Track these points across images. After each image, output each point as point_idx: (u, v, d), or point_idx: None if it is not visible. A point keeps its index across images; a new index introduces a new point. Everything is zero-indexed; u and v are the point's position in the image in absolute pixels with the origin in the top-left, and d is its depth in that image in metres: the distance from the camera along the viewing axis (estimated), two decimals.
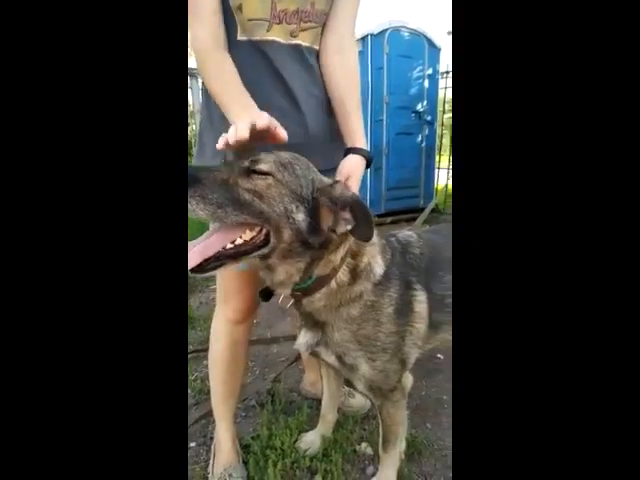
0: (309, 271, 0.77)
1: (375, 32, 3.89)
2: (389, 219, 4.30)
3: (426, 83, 4.35)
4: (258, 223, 0.70)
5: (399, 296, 0.85)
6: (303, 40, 0.91)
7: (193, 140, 5.34)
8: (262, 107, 0.82)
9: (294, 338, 1.76)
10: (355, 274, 0.82)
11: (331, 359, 0.88)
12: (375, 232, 0.83)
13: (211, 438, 1.33)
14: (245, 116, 0.73)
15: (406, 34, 4.10)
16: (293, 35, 0.89)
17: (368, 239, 0.75)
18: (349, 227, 0.73)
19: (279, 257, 0.74)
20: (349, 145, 0.95)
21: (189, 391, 1.63)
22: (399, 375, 0.92)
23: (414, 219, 4.33)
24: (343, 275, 0.81)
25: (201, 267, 0.68)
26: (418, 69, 4.25)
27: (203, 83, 0.91)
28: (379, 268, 0.84)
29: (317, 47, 0.95)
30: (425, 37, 4.24)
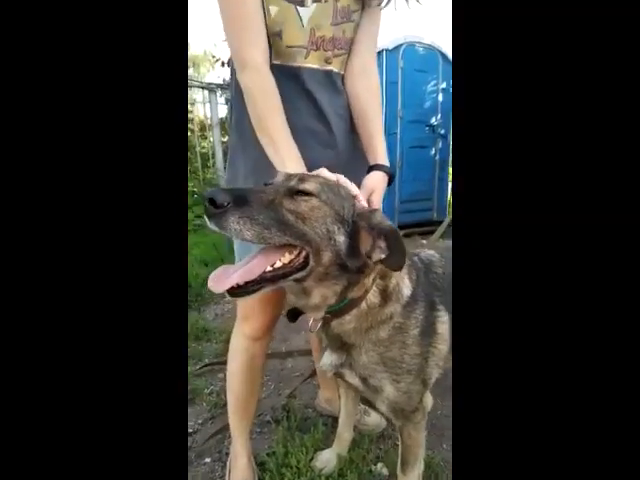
0: (344, 294, 0.77)
1: (390, 47, 3.93)
2: (402, 232, 4.27)
3: (440, 97, 4.36)
4: (299, 245, 0.69)
5: (424, 317, 0.84)
6: (335, 66, 0.95)
7: (210, 152, 5.46)
8: (297, 130, 0.84)
9: (309, 353, 1.76)
10: (385, 295, 0.81)
11: (355, 381, 0.87)
12: None
13: (226, 454, 1.33)
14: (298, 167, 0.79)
15: (421, 49, 4.14)
16: (328, 62, 0.93)
17: (399, 269, 0.75)
18: (383, 256, 0.72)
19: (315, 280, 0.74)
20: (372, 162, 0.97)
21: (204, 405, 1.63)
22: (421, 395, 0.91)
23: (428, 232, 4.31)
24: (373, 297, 0.81)
25: (241, 289, 0.68)
26: (432, 83, 4.27)
27: (228, 99, 0.94)
28: (407, 289, 0.84)
29: (343, 72, 0.99)
30: (440, 52, 4.27)
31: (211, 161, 5.43)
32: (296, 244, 0.69)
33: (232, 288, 0.67)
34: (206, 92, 5.28)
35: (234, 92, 0.96)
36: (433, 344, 0.86)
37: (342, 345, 0.85)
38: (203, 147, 5.81)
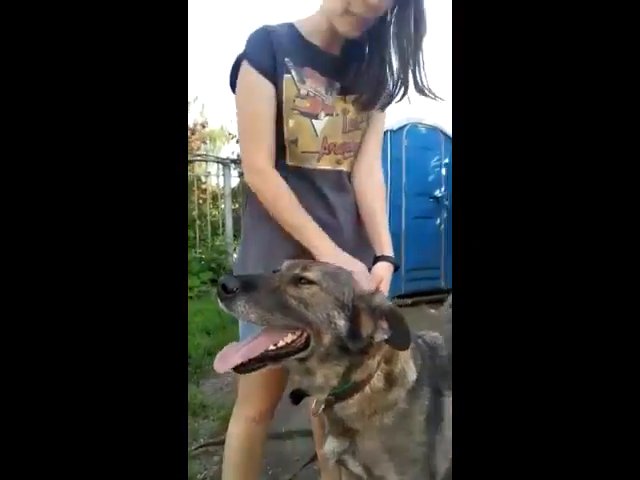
0: (347, 376, 0.78)
1: (394, 128, 4.23)
2: (410, 301, 4.22)
3: (443, 171, 4.58)
4: (300, 327, 0.74)
5: (430, 403, 0.82)
6: (344, 167, 1.05)
7: (220, 221, 5.65)
8: None
9: (309, 433, 1.64)
10: (390, 380, 0.80)
11: (358, 469, 0.83)
12: None
13: None
14: (330, 254, 0.87)
15: (423, 129, 4.44)
16: (339, 163, 1.03)
17: (404, 349, 0.78)
18: (386, 336, 0.75)
19: (318, 360, 0.76)
20: (378, 253, 1.02)
21: None
22: None
23: (436, 301, 4.24)
24: (378, 381, 0.80)
25: (244, 367, 0.73)
26: (435, 159, 4.52)
27: (241, 172, 1.02)
28: (412, 374, 0.83)
29: (351, 170, 1.09)
30: (441, 131, 4.57)
31: (221, 229, 5.60)
32: (298, 326, 0.74)
33: (236, 367, 0.72)
34: (220, 165, 5.63)
35: None
36: (440, 431, 0.82)
37: (345, 431, 0.82)
38: (214, 216, 6.03)
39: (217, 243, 5.51)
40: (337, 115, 0.99)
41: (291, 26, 0.97)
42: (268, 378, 1.00)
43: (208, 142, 10.01)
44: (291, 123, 0.94)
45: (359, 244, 1.08)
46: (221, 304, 0.71)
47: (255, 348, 0.73)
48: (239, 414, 1.09)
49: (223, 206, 5.60)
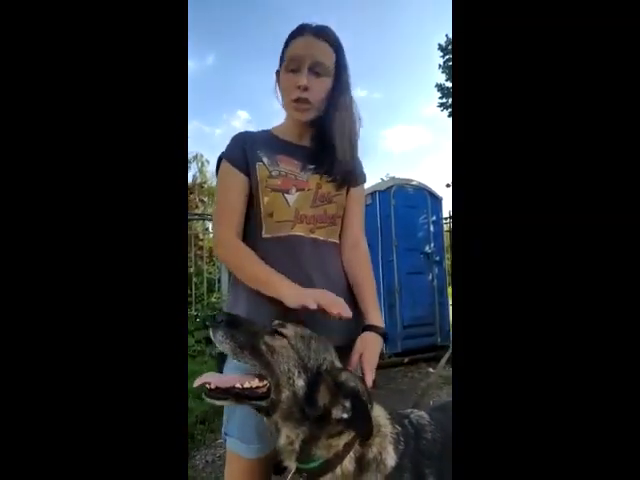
0: (309, 447, 0.80)
1: (382, 189, 4.46)
2: (406, 359, 4.18)
3: (432, 228, 4.75)
4: (264, 374, 0.81)
5: None
6: (319, 235, 1.12)
7: (216, 277, 5.70)
8: None
9: None
10: (362, 464, 0.81)
11: None
12: (389, 419, 0.86)
13: None
14: (294, 293, 0.92)
15: (410, 189, 4.68)
16: (312, 231, 1.11)
17: (365, 437, 0.79)
18: (345, 415, 0.78)
19: (282, 417, 0.81)
20: (366, 323, 1.06)
21: None
22: None
23: (432, 359, 4.20)
24: (349, 463, 0.80)
25: (211, 391, 0.82)
26: (423, 217, 4.70)
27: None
28: (391, 460, 0.82)
29: (332, 240, 1.16)
30: (427, 190, 4.81)
31: (216, 285, 5.62)
32: (261, 372, 0.81)
33: (205, 384, 0.82)
34: None
35: None
36: None
37: None
38: (210, 272, 6.08)
39: (212, 300, 5.50)
40: (309, 190, 1.11)
41: (266, 130, 1.19)
42: (253, 468, 1.02)
43: (206, 199, 10.32)
44: (266, 200, 1.07)
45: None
46: (210, 331, 0.84)
47: (226, 381, 0.83)
48: None
49: (219, 263, 5.65)
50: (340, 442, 0.81)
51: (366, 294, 1.11)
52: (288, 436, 0.81)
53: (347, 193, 1.19)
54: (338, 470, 0.80)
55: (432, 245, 4.70)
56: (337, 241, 1.17)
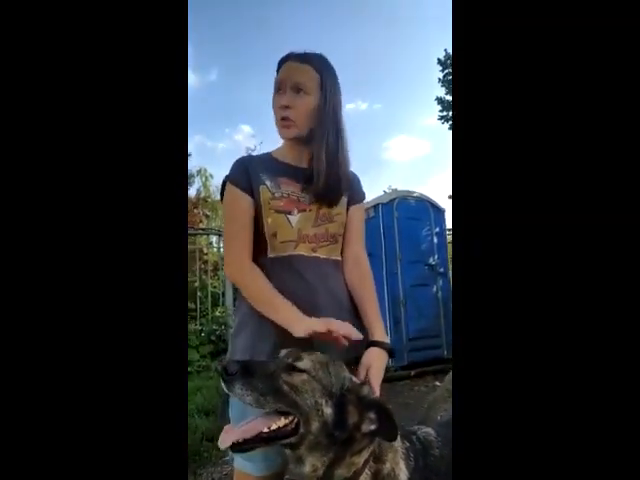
0: (332, 469, 0.80)
1: (385, 201, 4.50)
2: (413, 372, 4.14)
3: (435, 239, 4.76)
4: (291, 412, 0.80)
5: None
6: (321, 254, 1.16)
7: (221, 291, 5.71)
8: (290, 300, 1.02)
9: None
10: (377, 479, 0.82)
11: None
12: (398, 435, 0.86)
13: None
14: (303, 323, 0.94)
15: (412, 201, 4.71)
16: (314, 250, 1.14)
17: (391, 440, 0.81)
18: (373, 427, 0.80)
19: (308, 448, 0.81)
20: (370, 339, 1.08)
21: None
22: None
23: (439, 371, 4.15)
24: None
25: (240, 446, 0.80)
26: (426, 228, 4.72)
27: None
28: (403, 476, 0.84)
29: (334, 258, 1.19)
30: (429, 202, 4.84)
31: (221, 300, 5.63)
32: (289, 411, 0.80)
33: (233, 444, 0.80)
34: (222, 238, 5.83)
35: None
36: None
37: None
38: (214, 286, 6.10)
39: (217, 314, 5.51)
40: (310, 211, 1.15)
41: (267, 154, 1.25)
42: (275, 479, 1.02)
43: (210, 214, 10.38)
44: (269, 221, 1.11)
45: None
46: (223, 385, 0.80)
47: (251, 429, 0.81)
48: None
49: (223, 275, 5.67)
50: (361, 459, 0.82)
51: (369, 309, 1.13)
52: (314, 465, 0.81)
53: (347, 211, 1.22)
54: None
55: (436, 257, 4.71)
56: (339, 258, 1.21)
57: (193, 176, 12.30)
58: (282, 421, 0.80)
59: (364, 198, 1.30)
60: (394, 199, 4.55)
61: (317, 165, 1.13)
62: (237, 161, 1.20)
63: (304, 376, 0.81)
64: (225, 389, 0.80)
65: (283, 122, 1.13)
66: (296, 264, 1.11)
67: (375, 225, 4.48)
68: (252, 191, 1.13)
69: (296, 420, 0.80)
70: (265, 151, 1.29)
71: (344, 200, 1.21)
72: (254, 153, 1.25)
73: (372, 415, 0.80)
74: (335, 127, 1.16)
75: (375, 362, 1.02)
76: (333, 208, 1.18)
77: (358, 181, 1.28)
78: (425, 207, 4.78)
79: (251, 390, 0.78)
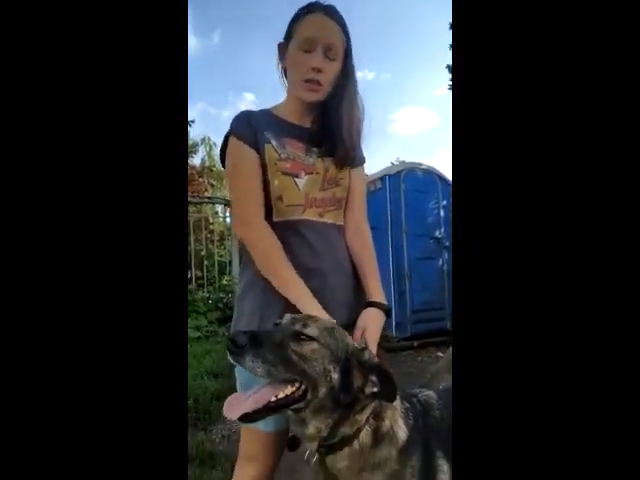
0: (336, 429, 0.83)
1: (392, 173, 4.44)
2: (416, 343, 4.23)
3: (442, 212, 4.73)
4: (299, 379, 0.81)
5: (422, 466, 0.85)
6: (328, 219, 1.14)
7: (227, 260, 5.77)
8: (295, 266, 1.01)
9: None
10: (377, 436, 0.85)
11: None
12: (398, 396, 0.89)
13: None
14: (313, 305, 0.95)
15: (420, 173, 4.64)
16: (321, 215, 1.12)
17: (391, 400, 0.83)
18: (375, 389, 0.82)
19: (312, 412, 0.82)
20: (368, 299, 1.09)
21: None
22: None
23: (442, 343, 4.24)
24: (365, 436, 0.84)
25: (250, 416, 0.80)
26: (433, 201, 4.68)
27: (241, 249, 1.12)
28: (402, 433, 0.86)
29: (339, 223, 1.17)
30: (437, 174, 4.77)
31: (228, 268, 5.71)
32: (298, 379, 0.80)
33: (242, 416, 0.79)
34: (227, 207, 5.83)
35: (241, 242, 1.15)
36: None
37: None
38: (221, 255, 6.16)
39: (224, 282, 5.60)
40: (317, 174, 1.11)
41: (267, 110, 1.18)
42: (270, 441, 1.05)
43: (215, 183, 10.31)
44: (276, 182, 1.07)
45: (347, 296, 1.12)
46: (230, 357, 0.79)
47: (259, 400, 0.80)
48: (241, 474, 1.11)
49: (230, 245, 5.73)
50: (363, 417, 0.85)
51: (368, 273, 1.13)
52: (317, 427, 0.83)
53: (349, 173, 1.19)
54: (355, 443, 0.84)
55: (442, 230, 4.69)
56: (343, 223, 1.19)
57: (197, 145, 12.10)
58: (289, 389, 0.81)
59: (364, 162, 1.27)
60: (401, 171, 4.48)
61: (338, 132, 1.09)
62: (239, 115, 1.13)
63: (314, 344, 0.81)
64: (233, 362, 0.79)
65: (311, 85, 1.06)
66: (303, 229, 1.09)
67: (382, 197, 4.44)
68: (258, 147, 1.09)
69: (303, 387, 0.81)
70: None
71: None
72: None
73: (374, 378, 0.82)
74: (355, 92, 1.12)
75: (372, 323, 1.04)
76: (340, 171, 1.15)
77: (359, 146, 1.24)
78: (433, 179, 4.72)
79: (262, 362, 0.77)
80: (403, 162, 4.61)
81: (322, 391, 0.80)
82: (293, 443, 0.92)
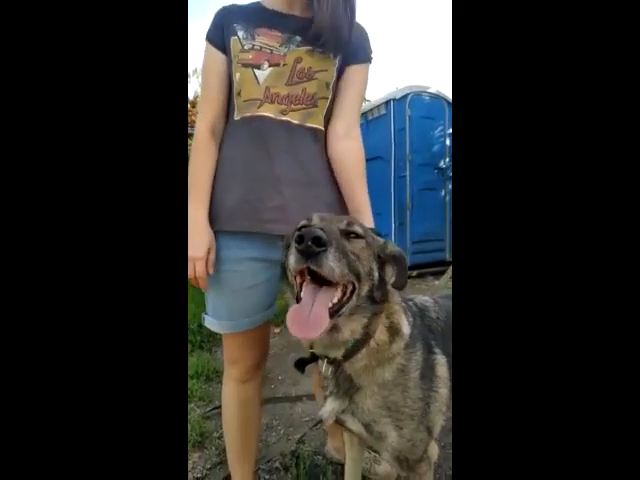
0: (368, 328, 0.81)
1: (397, 97, 4.16)
2: (415, 272, 4.30)
3: (448, 141, 4.52)
4: (351, 280, 0.74)
5: (423, 360, 0.86)
6: (292, 118, 1.00)
7: None
8: (244, 177, 0.98)
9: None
10: (392, 332, 0.85)
11: (357, 427, 0.88)
12: (399, 298, 0.88)
13: None
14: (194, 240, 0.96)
15: (427, 98, 4.36)
16: (283, 113, 1.00)
17: (403, 287, 0.83)
18: (394, 278, 0.82)
19: (348, 314, 0.77)
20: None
21: (213, 449, 1.62)
22: (425, 444, 0.90)
23: (440, 272, 4.31)
24: (381, 334, 0.84)
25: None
26: (439, 129, 4.45)
27: None
28: (406, 328, 0.87)
29: (310, 125, 1.03)
30: (445, 100, 4.48)
31: None
32: (351, 280, 0.74)
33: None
34: None
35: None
36: (434, 388, 0.87)
37: (347, 390, 0.87)
38: None
39: None
40: (284, 65, 0.99)
41: (256, 2, 1.08)
42: (252, 339, 1.06)
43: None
44: (237, 76, 1.00)
45: (317, 203, 1.01)
46: (308, 261, 0.66)
47: (325, 313, 0.70)
48: (226, 376, 1.14)
49: None
50: (383, 316, 0.85)
51: (357, 193, 1.02)
52: (352, 329, 0.80)
53: (342, 73, 1.04)
54: (372, 342, 0.83)
55: (447, 160, 4.53)
56: (319, 127, 1.04)
57: (189, 76, 11.50)
58: (339, 292, 0.73)
59: (369, 60, 1.07)
60: (407, 95, 4.20)
61: (325, 12, 0.95)
62: (216, 13, 1.05)
63: (362, 242, 0.78)
64: (311, 266, 0.66)
65: None
66: (259, 127, 0.99)
67: (385, 124, 4.22)
68: (224, 46, 1.02)
69: (350, 288, 0.75)
70: None
71: (338, 57, 1.02)
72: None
73: (395, 268, 0.82)
74: None
75: None
76: (318, 62, 1.00)
77: (365, 37, 1.07)
78: (441, 105, 4.44)
79: (339, 263, 0.67)
80: (409, 86, 4.29)
81: (365, 290, 0.78)
82: (301, 364, 0.91)
